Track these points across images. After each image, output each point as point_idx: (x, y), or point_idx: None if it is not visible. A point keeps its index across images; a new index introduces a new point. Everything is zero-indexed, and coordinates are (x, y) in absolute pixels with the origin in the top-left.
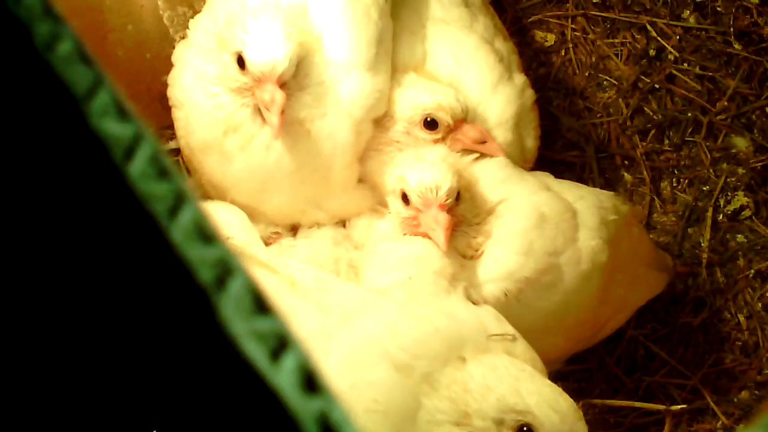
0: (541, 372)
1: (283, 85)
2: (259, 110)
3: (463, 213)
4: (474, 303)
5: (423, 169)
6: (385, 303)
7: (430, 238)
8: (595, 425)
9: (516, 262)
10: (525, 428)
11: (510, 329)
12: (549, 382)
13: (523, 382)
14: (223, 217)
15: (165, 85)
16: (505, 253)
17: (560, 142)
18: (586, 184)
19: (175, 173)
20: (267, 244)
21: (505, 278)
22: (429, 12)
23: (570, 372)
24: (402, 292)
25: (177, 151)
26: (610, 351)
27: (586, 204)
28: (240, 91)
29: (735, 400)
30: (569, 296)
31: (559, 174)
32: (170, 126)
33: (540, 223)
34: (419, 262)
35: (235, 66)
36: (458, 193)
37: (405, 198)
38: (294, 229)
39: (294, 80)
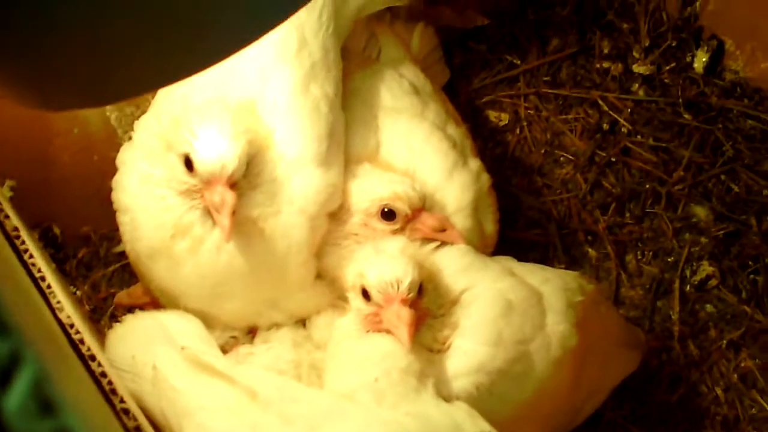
0: None
1: (233, 185)
2: (209, 211)
3: (427, 305)
4: (445, 399)
5: (382, 263)
6: (352, 408)
7: (393, 334)
8: None
9: (486, 353)
10: None
11: (485, 426)
12: None
13: None
14: (177, 326)
15: None
16: (474, 345)
17: (522, 221)
18: (551, 262)
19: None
20: (224, 351)
21: (476, 371)
22: (380, 102)
23: None
24: (368, 394)
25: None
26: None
27: (551, 287)
28: (188, 193)
29: None
30: (542, 384)
31: (523, 253)
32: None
33: (507, 311)
34: (384, 360)
35: (183, 168)
36: (420, 286)
37: (366, 294)
38: (252, 332)
39: (245, 179)
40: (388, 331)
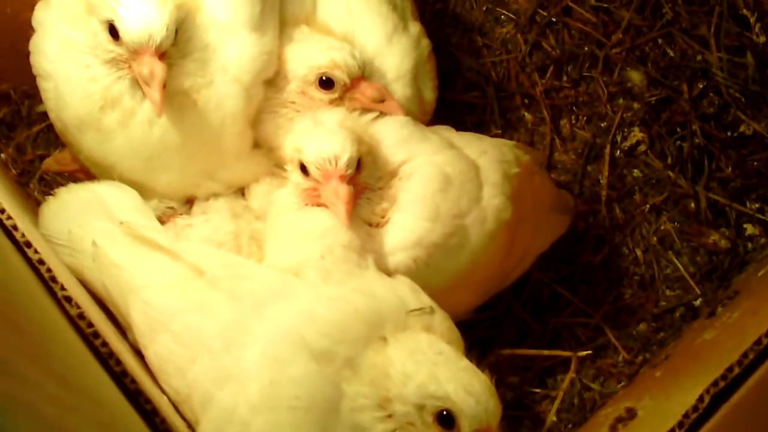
0: (456, 343)
1: (162, 55)
2: (138, 82)
3: (365, 179)
4: (385, 273)
5: (321, 138)
6: (300, 286)
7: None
8: (506, 371)
9: (424, 228)
10: (444, 413)
11: (426, 300)
12: (465, 363)
13: (440, 368)
14: (113, 199)
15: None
16: (413, 219)
17: (460, 83)
18: (488, 125)
19: None
20: (162, 222)
21: (414, 246)
22: None
23: (479, 320)
24: (315, 272)
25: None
26: (516, 295)
27: (488, 159)
28: (114, 62)
29: (634, 333)
30: (476, 255)
31: (460, 116)
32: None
33: (445, 185)
34: (325, 236)
35: (107, 36)
36: (359, 161)
37: (304, 169)
38: (189, 202)
39: (174, 48)
40: (326, 206)
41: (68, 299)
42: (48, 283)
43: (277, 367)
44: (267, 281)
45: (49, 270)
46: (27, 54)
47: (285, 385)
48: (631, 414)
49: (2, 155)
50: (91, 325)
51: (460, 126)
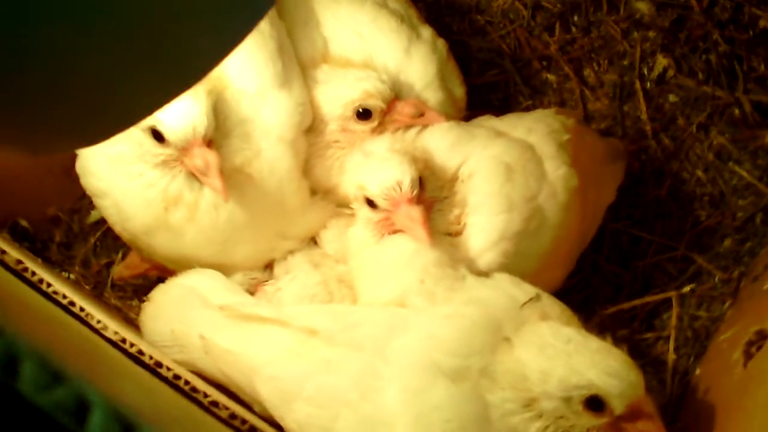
0: (572, 321)
1: (209, 143)
2: (192, 174)
3: (430, 194)
4: (482, 276)
5: (378, 169)
6: (412, 316)
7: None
8: (613, 327)
9: (503, 221)
10: (592, 398)
11: (530, 288)
12: (595, 343)
13: (575, 357)
14: (203, 287)
15: (66, 158)
16: (489, 216)
17: (475, 66)
18: (516, 98)
19: None
20: (252, 293)
21: (499, 241)
22: None
23: (571, 286)
24: (419, 297)
25: (103, 221)
26: (598, 251)
27: (538, 135)
28: (165, 164)
29: (721, 251)
30: (557, 230)
31: (486, 97)
32: (84, 195)
33: (508, 174)
34: (414, 260)
35: (153, 141)
36: (420, 179)
37: (370, 203)
38: (269, 266)
39: (217, 131)
40: (404, 231)
41: (215, 404)
42: (191, 395)
43: (419, 399)
44: (379, 321)
45: (187, 382)
46: (65, 175)
47: (432, 414)
48: (762, 335)
49: (71, 276)
50: (245, 421)
51: (488, 107)
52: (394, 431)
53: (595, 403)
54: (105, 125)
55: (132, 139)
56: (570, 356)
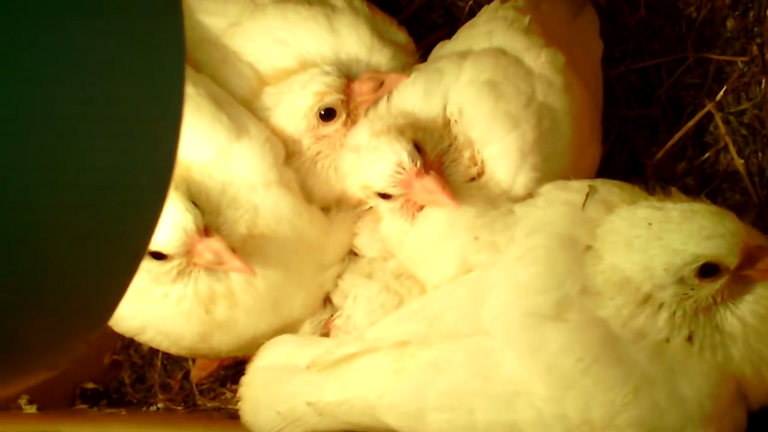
0: (635, 193)
1: (207, 230)
2: (210, 266)
3: (432, 153)
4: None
5: (373, 161)
6: (486, 276)
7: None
8: (668, 166)
9: (515, 139)
10: (704, 267)
11: (581, 186)
12: (675, 213)
13: (665, 237)
14: (281, 357)
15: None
16: (500, 142)
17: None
18: (455, 6)
19: None
20: (328, 335)
21: (523, 159)
22: (210, 30)
23: (608, 155)
24: (484, 254)
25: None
26: (616, 105)
27: (500, 34)
28: (180, 273)
29: (728, 35)
30: (571, 114)
31: (428, 21)
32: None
33: (495, 90)
34: (455, 225)
35: (156, 262)
36: (417, 146)
37: (383, 195)
38: (327, 300)
39: (206, 215)
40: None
41: None
42: None
43: (539, 354)
44: (458, 299)
45: None
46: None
47: (560, 361)
48: None
49: (160, 405)
50: None
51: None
52: (534, 396)
53: (708, 270)
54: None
55: (138, 271)
56: (660, 238)
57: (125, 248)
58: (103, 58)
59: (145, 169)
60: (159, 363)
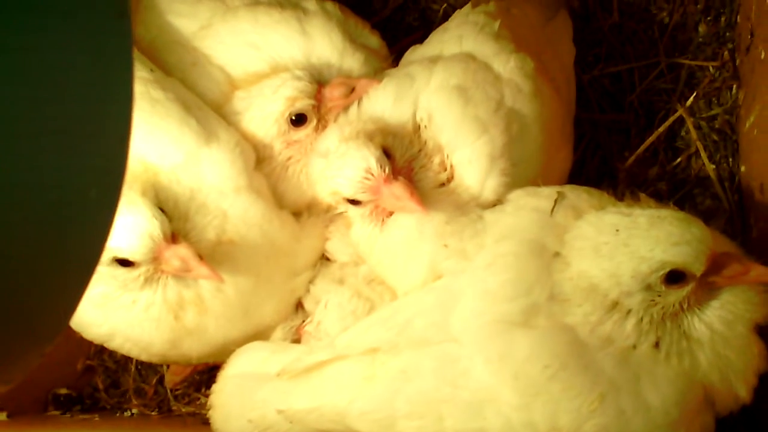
0: (604, 199)
1: (174, 237)
2: (177, 273)
3: (401, 159)
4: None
5: (341, 167)
6: (455, 282)
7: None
8: (640, 170)
9: (484, 143)
10: (670, 273)
11: (550, 192)
12: (643, 219)
13: (633, 244)
14: (251, 364)
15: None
16: (469, 147)
17: (375, 1)
18: (430, 9)
19: None
20: (299, 341)
21: (492, 164)
22: (180, 33)
23: (581, 158)
24: (452, 260)
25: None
26: (588, 109)
27: (471, 39)
28: (148, 280)
29: (701, 39)
30: (540, 119)
31: (402, 24)
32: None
33: (464, 95)
34: (423, 231)
35: (123, 269)
36: (385, 152)
37: (352, 201)
38: (299, 306)
39: (174, 221)
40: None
41: None
42: None
43: (507, 361)
44: (427, 306)
45: None
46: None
47: (527, 368)
48: None
49: (134, 410)
50: None
51: (409, 32)
52: (502, 403)
53: (675, 277)
54: None
55: (104, 277)
56: (627, 245)
57: (75, 259)
58: (50, 60)
59: (93, 175)
60: (133, 368)
